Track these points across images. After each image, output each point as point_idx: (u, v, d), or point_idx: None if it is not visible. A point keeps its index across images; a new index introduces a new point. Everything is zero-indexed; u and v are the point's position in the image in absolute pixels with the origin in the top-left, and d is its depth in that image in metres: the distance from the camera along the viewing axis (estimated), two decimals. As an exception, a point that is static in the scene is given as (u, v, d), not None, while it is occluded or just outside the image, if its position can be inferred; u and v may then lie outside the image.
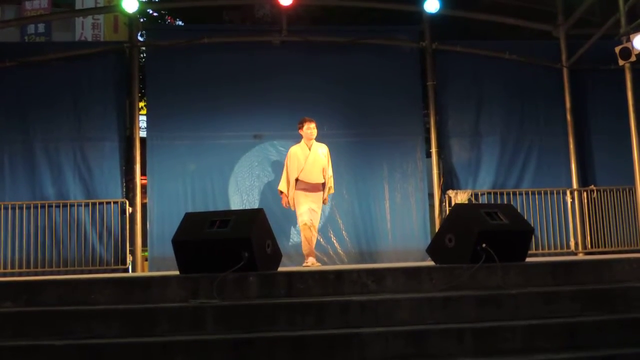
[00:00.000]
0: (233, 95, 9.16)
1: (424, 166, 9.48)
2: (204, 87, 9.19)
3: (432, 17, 9.54)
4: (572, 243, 9.30)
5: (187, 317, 4.09)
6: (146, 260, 9.36)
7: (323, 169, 7.72)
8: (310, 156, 7.67)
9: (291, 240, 8.82)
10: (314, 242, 7.62)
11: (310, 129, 7.73)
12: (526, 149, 9.58)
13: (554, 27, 9.92)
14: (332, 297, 4.33)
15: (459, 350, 3.83)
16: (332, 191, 7.87)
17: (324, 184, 7.74)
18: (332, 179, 7.81)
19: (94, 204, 8.80)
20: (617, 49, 8.17)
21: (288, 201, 7.69)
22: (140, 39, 9.87)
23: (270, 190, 9.04)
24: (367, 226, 9.24)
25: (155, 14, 15.57)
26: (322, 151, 7.77)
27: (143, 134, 9.62)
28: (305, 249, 7.61)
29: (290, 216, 8.51)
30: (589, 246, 9.29)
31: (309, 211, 7.55)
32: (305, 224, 7.52)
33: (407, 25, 10.09)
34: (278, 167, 9.01)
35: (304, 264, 7.56)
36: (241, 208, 8.85)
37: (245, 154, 9.23)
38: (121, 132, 9.10)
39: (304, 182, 7.63)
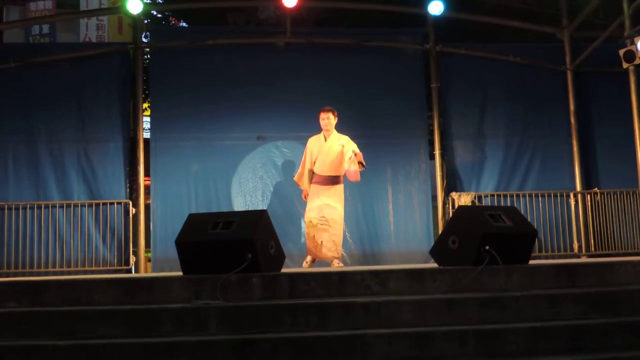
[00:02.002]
0: (237, 97, 9.16)
1: (427, 168, 9.47)
2: (208, 88, 9.19)
3: (436, 19, 9.53)
4: (575, 246, 9.28)
5: (190, 318, 4.09)
6: (149, 261, 9.36)
7: (340, 161, 7.37)
8: (324, 147, 7.45)
9: (294, 241, 8.81)
10: (322, 242, 7.28)
11: (323, 119, 7.50)
12: (530, 151, 9.57)
13: (558, 30, 9.90)
14: (335, 299, 4.33)
15: (462, 353, 3.83)
16: (356, 165, 7.26)
17: (339, 177, 7.43)
18: (359, 154, 7.33)
19: (97, 205, 8.81)
20: (622, 52, 8.16)
21: (306, 194, 7.52)
22: (144, 40, 9.90)
23: (274, 192, 9.05)
24: (370, 228, 9.23)
25: (159, 15, 15.57)
26: (339, 142, 7.46)
27: (147, 135, 9.62)
28: (307, 244, 7.45)
29: (294, 218, 8.51)
30: (593, 249, 9.28)
31: (319, 208, 7.30)
32: (311, 221, 7.30)
33: (411, 27, 10.06)
34: (282, 168, 9.03)
35: (304, 263, 7.49)
36: (245, 209, 8.85)
37: (249, 155, 9.22)
38: (125, 133, 9.10)
39: (317, 175, 7.45)
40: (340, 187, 7.49)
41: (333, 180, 7.44)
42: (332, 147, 7.46)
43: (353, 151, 7.36)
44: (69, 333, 4.00)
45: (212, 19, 13.26)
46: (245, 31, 11.30)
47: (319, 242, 7.30)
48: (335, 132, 7.58)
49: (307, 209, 7.46)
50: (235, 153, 9.21)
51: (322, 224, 7.31)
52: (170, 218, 8.71)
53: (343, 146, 7.42)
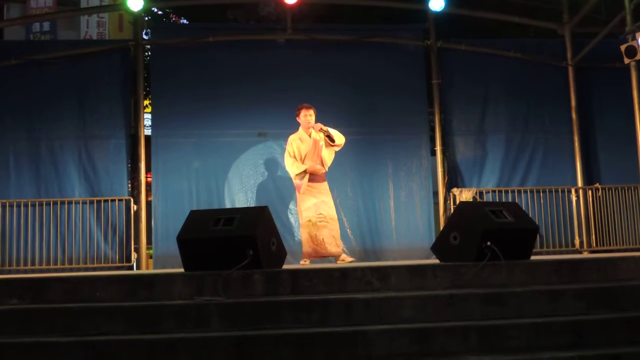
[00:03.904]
0: (238, 94, 9.17)
1: (428, 164, 9.47)
2: (209, 85, 9.20)
3: (437, 15, 9.53)
4: (577, 241, 9.28)
5: (192, 314, 4.09)
6: (151, 257, 9.37)
7: (323, 157, 7.40)
8: (311, 144, 7.41)
9: (296, 238, 8.81)
10: (323, 239, 7.19)
11: (307, 116, 7.40)
12: (531, 147, 9.58)
13: (559, 25, 9.90)
14: (337, 295, 4.33)
15: (463, 348, 3.82)
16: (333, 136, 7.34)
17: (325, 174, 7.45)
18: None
19: (98, 202, 8.82)
20: (623, 47, 8.15)
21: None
22: (145, 37, 9.90)
23: (275, 188, 9.05)
24: (371, 224, 9.24)
25: (160, 12, 15.57)
26: (320, 138, 7.40)
27: (148, 132, 9.62)
28: (305, 248, 7.26)
29: (295, 214, 8.49)
30: (594, 244, 9.28)
31: (315, 206, 7.24)
32: (310, 220, 7.21)
33: (412, 23, 10.06)
34: (283, 165, 9.01)
35: (301, 262, 7.36)
36: (246, 206, 8.85)
37: (250, 152, 9.23)
38: (126, 130, 9.12)
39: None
40: (327, 184, 7.49)
41: (322, 176, 7.44)
42: (317, 143, 7.42)
43: (321, 129, 7.32)
44: (70, 330, 4.00)
45: (212, 16, 13.23)
46: (245, 28, 11.29)
47: (321, 240, 7.23)
48: (313, 129, 7.46)
49: (302, 209, 7.33)
50: (237, 150, 9.22)
51: (320, 222, 7.25)
52: (172, 215, 8.73)
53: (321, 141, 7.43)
